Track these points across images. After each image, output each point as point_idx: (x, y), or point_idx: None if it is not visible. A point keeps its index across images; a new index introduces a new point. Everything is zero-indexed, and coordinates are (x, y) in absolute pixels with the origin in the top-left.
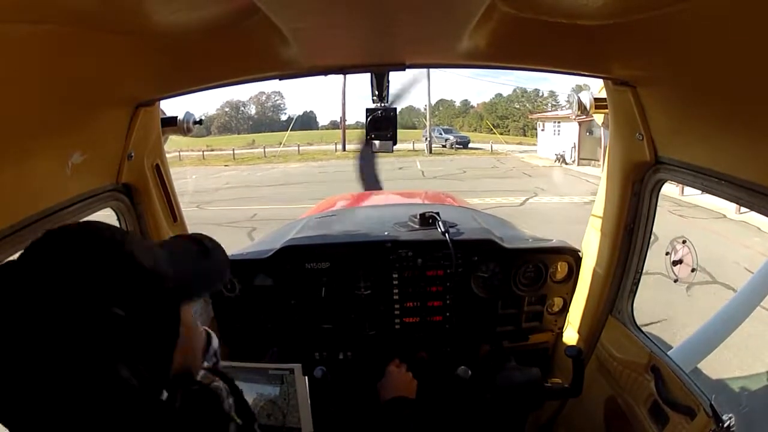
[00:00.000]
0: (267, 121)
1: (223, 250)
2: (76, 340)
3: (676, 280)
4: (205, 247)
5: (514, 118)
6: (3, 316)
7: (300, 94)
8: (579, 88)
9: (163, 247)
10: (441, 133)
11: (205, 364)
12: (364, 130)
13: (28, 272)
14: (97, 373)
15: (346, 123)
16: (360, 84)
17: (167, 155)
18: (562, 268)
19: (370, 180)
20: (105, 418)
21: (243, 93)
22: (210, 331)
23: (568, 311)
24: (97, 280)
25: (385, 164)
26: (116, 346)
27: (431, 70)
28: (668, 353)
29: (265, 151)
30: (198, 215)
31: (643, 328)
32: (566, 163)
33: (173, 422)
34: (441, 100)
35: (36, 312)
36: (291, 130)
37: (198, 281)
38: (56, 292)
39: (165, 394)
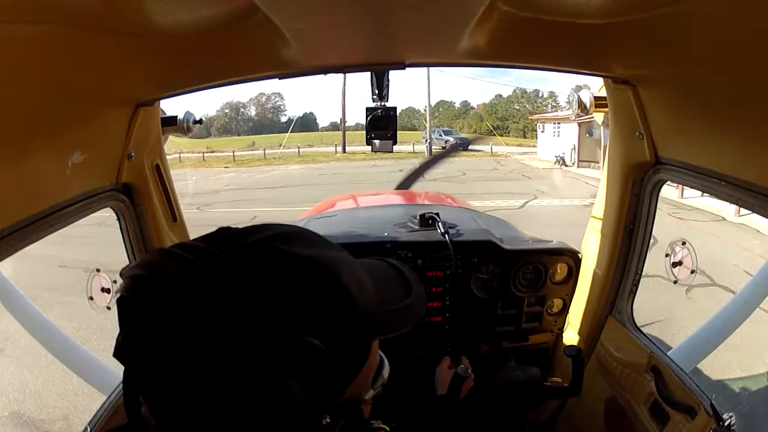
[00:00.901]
0: (267, 122)
1: (421, 285)
2: (258, 358)
3: (675, 282)
4: (407, 281)
5: (514, 120)
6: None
7: (300, 96)
8: (579, 88)
9: (369, 272)
10: (441, 135)
11: (371, 392)
12: (365, 130)
13: (222, 274)
14: (269, 386)
15: (346, 124)
16: (360, 85)
17: (167, 157)
18: (561, 269)
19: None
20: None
21: (243, 94)
22: (384, 357)
23: (567, 312)
24: (303, 308)
25: (384, 166)
26: (301, 370)
27: (431, 71)
28: (668, 353)
29: (265, 153)
30: (198, 217)
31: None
32: (566, 165)
33: None
34: (441, 101)
35: (219, 317)
36: (291, 132)
37: (398, 321)
38: (249, 307)
39: (327, 419)
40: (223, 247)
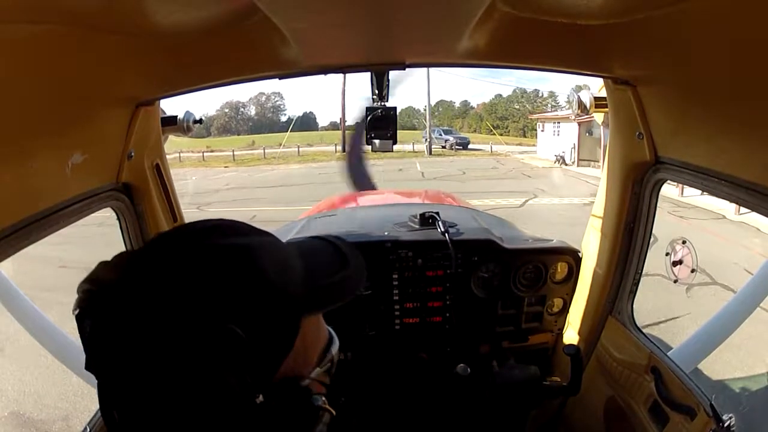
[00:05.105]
0: (267, 122)
1: (360, 256)
2: (186, 350)
3: (675, 281)
4: (342, 253)
5: (514, 119)
6: (121, 313)
7: (300, 95)
8: (579, 88)
9: (299, 253)
10: (441, 134)
11: (317, 370)
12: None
13: (150, 277)
14: (199, 378)
15: (346, 124)
16: (360, 84)
17: (167, 157)
18: (561, 269)
19: (361, 180)
20: (195, 415)
21: (243, 94)
22: (333, 335)
23: (567, 312)
24: (221, 298)
25: (384, 165)
26: (226, 359)
27: (431, 70)
28: (668, 353)
29: (264, 153)
30: (198, 217)
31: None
32: (566, 164)
33: (262, 423)
34: (441, 100)
35: (150, 318)
36: (291, 131)
37: (331, 294)
38: (175, 304)
39: (261, 398)
40: (154, 251)
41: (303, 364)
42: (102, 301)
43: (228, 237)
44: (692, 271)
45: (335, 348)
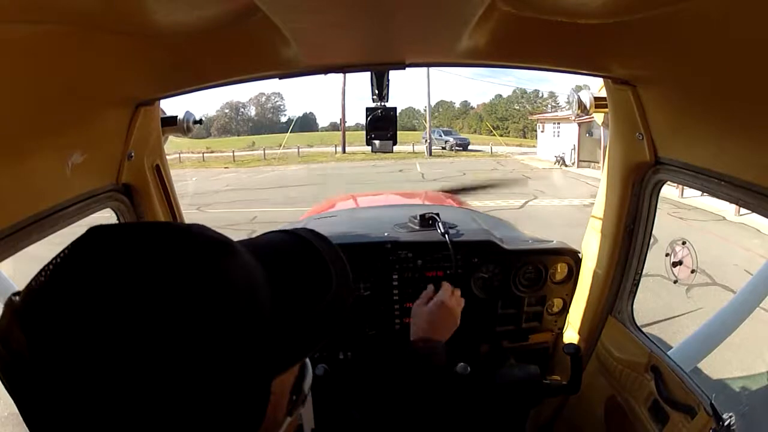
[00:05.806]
0: (267, 122)
1: (345, 268)
2: None
3: (675, 282)
4: (325, 267)
5: (514, 120)
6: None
7: (300, 96)
8: (579, 88)
9: (265, 264)
10: (441, 135)
11: (287, 420)
12: (364, 130)
13: (66, 355)
14: None
15: (346, 124)
16: (360, 85)
17: (167, 157)
18: (561, 269)
19: None
20: None
21: (243, 94)
22: (305, 362)
23: (567, 312)
24: (164, 404)
25: (384, 166)
26: None
27: (431, 71)
28: (668, 353)
29: (264, 153)
30: (198, 217)
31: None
32: (566, 165)
33: None
34: (441, 101)
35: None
36: (291, 132)
37: (310, 340)
38: (103, 406)
39: None
40: (73, 299)
41: (271, 425)
42: (15, 373)
43: (177, 267)
44: (692, 271)
45: (308, 383)
